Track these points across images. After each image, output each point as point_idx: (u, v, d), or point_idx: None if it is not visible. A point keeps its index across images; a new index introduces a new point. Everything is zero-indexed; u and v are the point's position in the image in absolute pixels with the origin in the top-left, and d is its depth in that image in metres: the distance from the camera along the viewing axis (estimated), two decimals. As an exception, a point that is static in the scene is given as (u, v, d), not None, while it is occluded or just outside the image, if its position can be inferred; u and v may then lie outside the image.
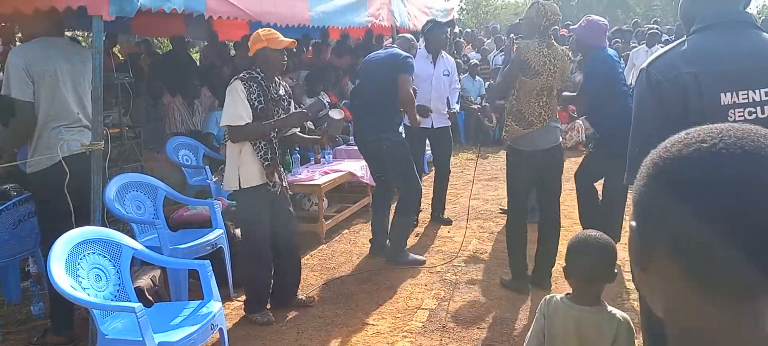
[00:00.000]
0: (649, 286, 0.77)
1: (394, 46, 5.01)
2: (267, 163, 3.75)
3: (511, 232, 4.40)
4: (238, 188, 3.77)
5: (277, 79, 3.86)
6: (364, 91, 4.84)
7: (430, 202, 6.13)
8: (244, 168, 3.74)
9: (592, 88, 4.78)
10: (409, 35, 5.59)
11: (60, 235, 2.93)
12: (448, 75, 5.79)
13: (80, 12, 3.44)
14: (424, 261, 4.95)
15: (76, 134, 3.61)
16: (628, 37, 11.99)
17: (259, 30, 3.78)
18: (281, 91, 3.87)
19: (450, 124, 5.94)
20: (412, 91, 4.67)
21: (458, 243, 5.33)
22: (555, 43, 4.14)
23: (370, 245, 5.20)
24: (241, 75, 3.73)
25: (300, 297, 4.16)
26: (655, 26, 12.03)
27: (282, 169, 3.94)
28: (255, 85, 3.69)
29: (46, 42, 3.61)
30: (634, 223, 0.77)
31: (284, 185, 3.96)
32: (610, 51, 4.97)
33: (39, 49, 3.55)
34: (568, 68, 4.21)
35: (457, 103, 6.11)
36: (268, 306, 4.03)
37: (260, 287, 3.97)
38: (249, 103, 3.66)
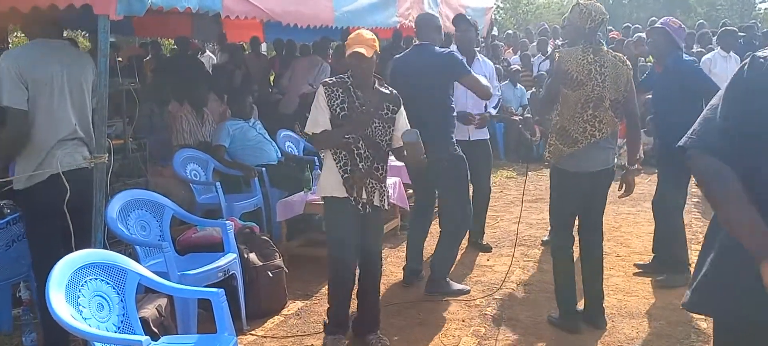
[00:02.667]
0: None
1: (426, 43, 4.85)
2: (346, 175, 3.81)
3: (557, 263, 4.35)
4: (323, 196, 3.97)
5: (377, 86, 3.86)
6: (410, 105, 4.60)
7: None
8: (323, 177, 3.95)
9: (667, 95, 4.77)
10: (426, 13, 5.53)
11: (52, 259, 2.93)
12: (486, 80, 5.75)
13: (75, 10, 3.48)
14: (469, 290, 4.94)
15: (70, 148, 3.64)
16: (691, 42, 11.85)
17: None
18: (365, 97, 3.80)
19: (488, 136, 5.89)
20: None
21: (500, 273, 5.28)
22: (604, 48, 4.09)
23: (403, 273, 5.17)
24: (328, 79, 3.89)
25: (378, 336, 4.09)
26: (730, 25, 11.76)
27: (374, 184, 3.89)
28: (341, 90, 3.78)
29: (43, 45, 3.65)
30: None
31: (377, 202, 3.92)
32: (688, 57, 4.95)
33: (35, 53, 3.60)
34: (625, 74, 4.10)
35: (495, 108, 6.07)
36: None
37: (336, 305, 4.02)
38: (330, 109, 3.75)
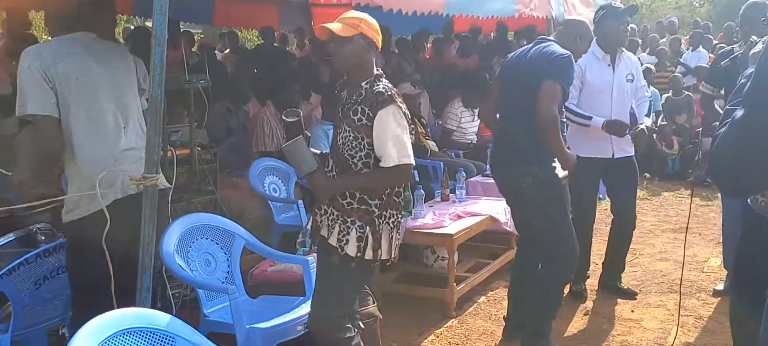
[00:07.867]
0: None
1: (550, 40, 4.10)
2: None
3: (738, 324, 3.41)
4: None
5: (365, 83, 2.96)
6: (504, 104, 4.16)
7: (602, 263, 5.17)
8: None
9: None
10: (580, 19, 4.70)
11: (95, 309, 2.36)
12: (632, 80, 4.87)
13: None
14: None
15: (122, 162, 3.10)
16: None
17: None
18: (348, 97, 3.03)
19: (634, 152, 4.95)
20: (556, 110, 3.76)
21: (651, 331, 4.37)
22: None
23: (504, 325, 4.37)
24: None
25: None
26: None
27: (334, 215, 2.96)
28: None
29: (68, 39, 3.17)
30: None
31: (332, 242, 2.95)
32: None
33: (60, 47, 3.13)
34: None
35: (649, 116, 5.12)
36: None
37: None
38: None
